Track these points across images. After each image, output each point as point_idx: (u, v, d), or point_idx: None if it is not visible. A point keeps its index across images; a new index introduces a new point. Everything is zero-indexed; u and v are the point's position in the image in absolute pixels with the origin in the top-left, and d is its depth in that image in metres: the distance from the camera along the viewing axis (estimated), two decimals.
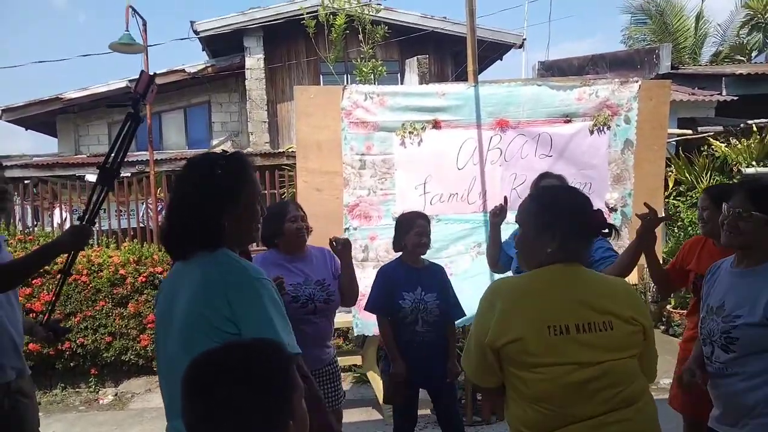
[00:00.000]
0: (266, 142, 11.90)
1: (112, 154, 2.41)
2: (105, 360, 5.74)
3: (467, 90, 4.49)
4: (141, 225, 7.16)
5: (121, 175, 8.33)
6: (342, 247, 2.99)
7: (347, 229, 4.35)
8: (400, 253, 3.37)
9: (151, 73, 2.37)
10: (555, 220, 1.75)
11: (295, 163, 7.72)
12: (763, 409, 2.01)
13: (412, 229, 3.28)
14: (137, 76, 2.39)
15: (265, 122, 12.07)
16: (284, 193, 7.85)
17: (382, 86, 4.58)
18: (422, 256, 3.36)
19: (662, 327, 6.61)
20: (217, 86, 12.40)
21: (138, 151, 11.36)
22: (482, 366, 1.74)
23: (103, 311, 5.71)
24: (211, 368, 1.06)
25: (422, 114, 4.41)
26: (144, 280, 5.75)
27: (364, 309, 3.43)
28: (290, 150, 8.82)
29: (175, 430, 1.65)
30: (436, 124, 4.44)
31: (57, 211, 7.14)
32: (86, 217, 2.47)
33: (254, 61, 11.89)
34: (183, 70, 11.44)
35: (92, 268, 5.77)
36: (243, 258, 1.75)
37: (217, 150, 1.84)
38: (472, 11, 4.64)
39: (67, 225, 7.33)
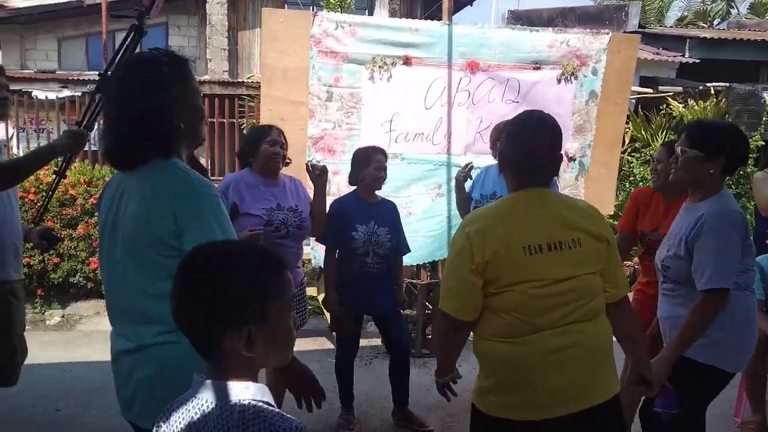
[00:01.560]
0: (224, 71, 11.51)
1: (113, 65, 2.35)
2: (52, 281, 5.60)
3: (441, 28, 4.42)
4: (93, 147, 6.87)
5: (71, 94, 7.97)
6: (319, 173, 3.05)
7: (310, 161, 4.29)
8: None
9: None
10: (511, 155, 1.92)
11: (254, 94, 7.56)
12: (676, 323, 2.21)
13: (370, 164, 3.32)
14: None
15: (225, 49, 11.65)
16: (243, 123, 7.67)
17: (354, 16, 4.45)
18: (377, 192, 3.42)
19: None
20: (176, 7, 11.82)
21: (89, 70, 10.85)
22: (469, 297, 1.80)
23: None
24: (200, 254, 1.12)
25: (393, 48, 4.33)
26: (95, 202, 5.57)
27: (316, 240, 3.46)
28: (250, 80, 8.56)
29: (118, 335, 1.66)
30: (407, 61, 4.37)
31: (1, 126, 6.77)
32: (84, 122, 2.50)
33: None
34: None
35: (40, 186, 5.55)
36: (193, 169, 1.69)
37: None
38: None
39: (15, 142, 7.00)
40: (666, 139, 6.67)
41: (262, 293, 1.05)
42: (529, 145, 1.85)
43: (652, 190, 3.09)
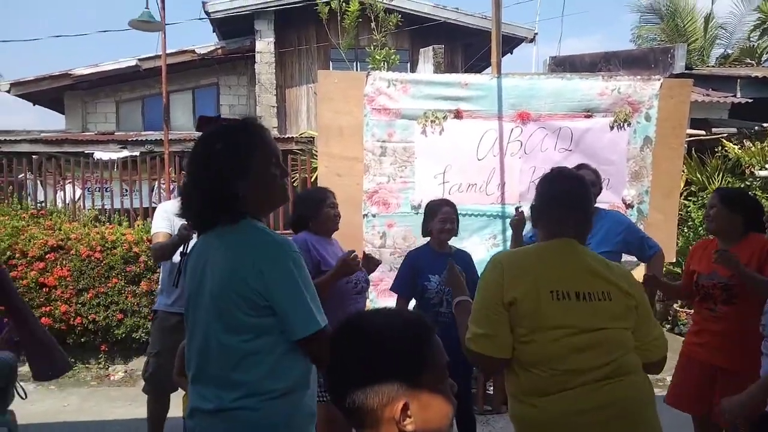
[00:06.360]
0: (274, 127, 11.86)
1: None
2: (115, 337, 5.76)
3: (490, 81, 4.50)
4: (153, 204, 7.14)
5: (129, 154, 8.34)
6: (370, 264, 3.17)
7: (366, 215, 4.38)
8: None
9: (216, 115, 2.36)
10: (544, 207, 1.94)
11: (304, 149, 7.78)
12: None
13: (436, 216, 3.38)
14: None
15: (273, 107, 12.03)
16: (294, 178, 7.85)
17: (405, 74, 4.59)
18: (449, 243, 3.44)
19: (668, 326, 6.66)
20: (226, 68, 12.35)
21: (145, 130, 11.35)
22: (497, 333, 1.73)
23: (116, 288, 5.72)
24: (348, 327, 1.12)
25: (444, 103, 4.43)
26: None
27: (390, 289, 3.49)
28: (302, 135, 8.80)
29: (197, 394, 1.69)
30: (458, 114, 4.46)
31: (69, 188, 7.13)
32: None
33: (264, 45, 11.83)
34: (193, 51, 11.39)
35: (106, 245, 5.78)
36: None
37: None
38: (498, 2, 4.65)
39: (82, 201, 7.31)
40: (723, 182, 6.53)
41: (416, 365, 1.04)
42: (558, 196, 1.87)
43: (707, 240, 3.12)
